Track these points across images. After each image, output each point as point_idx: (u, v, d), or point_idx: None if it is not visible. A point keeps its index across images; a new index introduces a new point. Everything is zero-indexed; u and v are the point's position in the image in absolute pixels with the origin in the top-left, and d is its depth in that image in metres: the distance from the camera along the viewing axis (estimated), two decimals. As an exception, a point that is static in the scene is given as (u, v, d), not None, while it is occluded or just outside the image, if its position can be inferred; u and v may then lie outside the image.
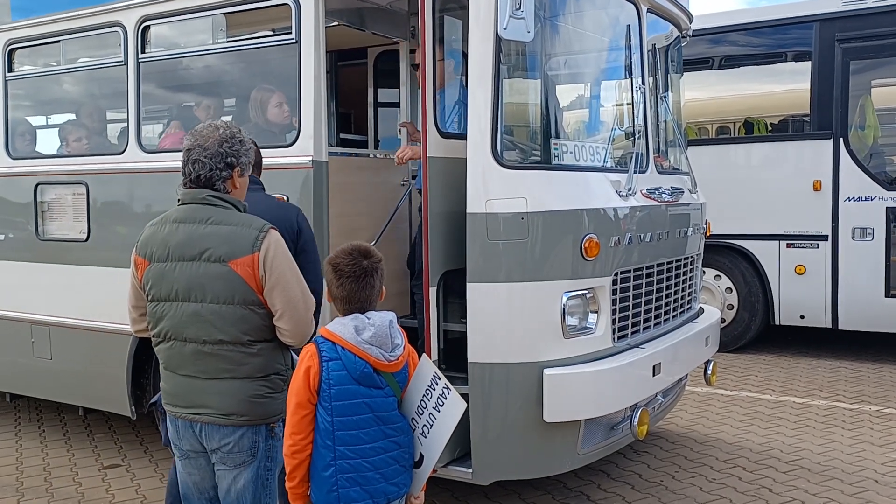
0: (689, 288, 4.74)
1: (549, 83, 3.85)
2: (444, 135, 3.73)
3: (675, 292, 4.46)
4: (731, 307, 7.79)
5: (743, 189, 7.54)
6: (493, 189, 3.49)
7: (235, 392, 2.49)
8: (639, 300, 4.01)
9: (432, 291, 3.62)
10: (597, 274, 3.68)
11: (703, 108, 8.38)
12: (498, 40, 3.41)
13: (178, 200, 2.57)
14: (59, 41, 4.94)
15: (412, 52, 4.86)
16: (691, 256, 4.69)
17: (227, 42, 4.41)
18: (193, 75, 4.74)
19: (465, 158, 3.53)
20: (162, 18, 4.39)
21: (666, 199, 4.26)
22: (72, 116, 5.70)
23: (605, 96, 4.43)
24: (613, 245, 3.75)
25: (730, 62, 8.17)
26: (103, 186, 4.69)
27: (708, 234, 5.05)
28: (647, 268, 4.08)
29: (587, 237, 3.57)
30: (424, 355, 2.57)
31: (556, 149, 3.73)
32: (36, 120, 5.69)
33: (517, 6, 3.22)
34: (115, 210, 4.68)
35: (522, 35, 3.29)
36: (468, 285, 3.54)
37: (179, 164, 4.30)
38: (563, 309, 3.55)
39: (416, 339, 4.14)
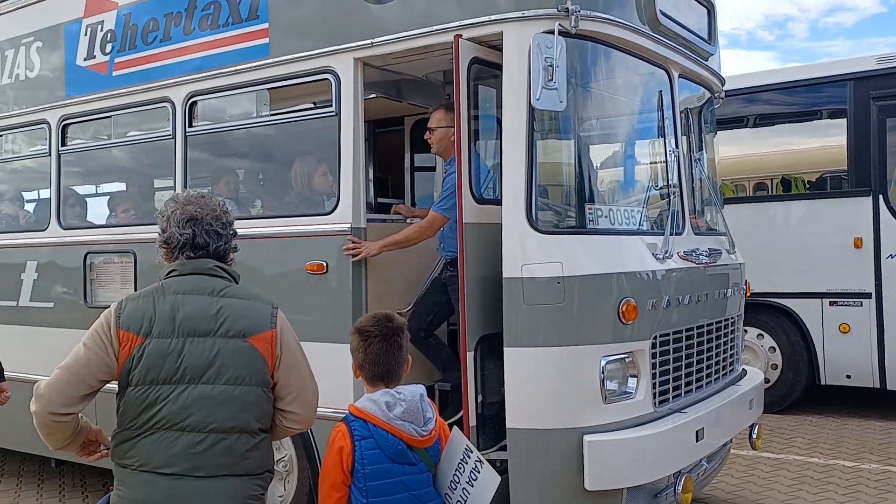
0: (731, 349, 4.67)
1: (583, 148, 3.91)
2: (480, 200, 3.79)
3: (717, 354, 4.41)
4: (774, 367, 7.62)
5: (783, 246, 7.46)
6: (529, 254, 3.52)
7: (233, 493, 2.17)
8: (679, 363, 3.97)
9: (469, 356, 3.63)
10: (635, 337, 3.66)
11: (740, 165, 8.38)
12: (531, 109, 3.50)
13: (171, 272, 2.32)
14: (110, 116, 5.17)
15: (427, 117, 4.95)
16: (732, 317, 4.64)
17: (270, 115, 4.57)
18: (237, 147, 4.92)
19: (500, 223, 3.58)
20: (208, 94, 4.58)
21: (703, 261, 4.24)
22: (121, 187, 5.92)
23: (639, 159, 4.47)
24: (651, 308, 3.74)
25: (766, 120, 8.20)
26: (150, 255, 4.83)
27: (748, 295, 5.01)
28: (687, 330, 4.05)
29: (624, 300, 3.57)
30: (455, 428, 2.55)
31: (590, 213, 3.77)
32: (86, 190, 5.92)
33: (549, 77, 3.30)
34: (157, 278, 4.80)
35: (555, 105, 3.37)
36: (505, 350, 3.55)
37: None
38: (602, 373, 3.53)
39: (447, 403, 4.15)
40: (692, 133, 4.81)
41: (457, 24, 3.67)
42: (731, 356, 4.69)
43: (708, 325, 4.27)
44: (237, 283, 2.37)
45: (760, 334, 7.67)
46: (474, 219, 3.71)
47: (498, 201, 3.68)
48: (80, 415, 2.29)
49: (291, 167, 4.49)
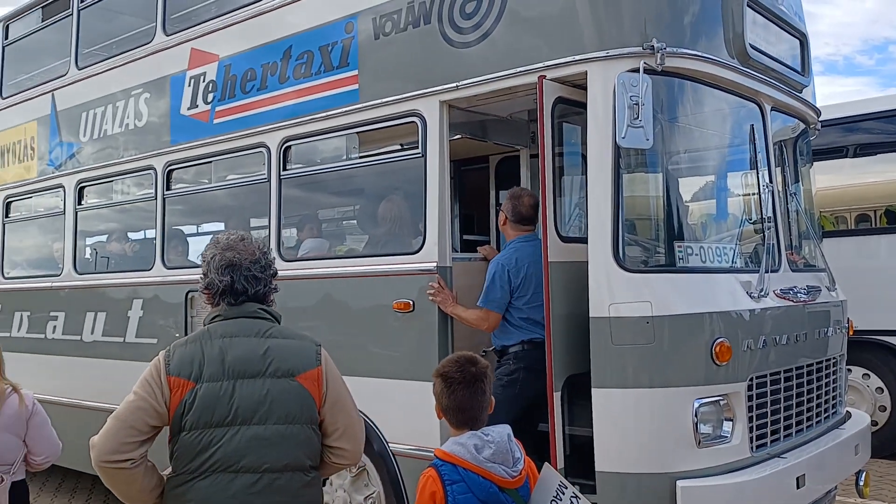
0: (833, 391, 4.45)
1: (671, 184, 3.85)
2: (565, 239, 3.78)
3: (818, 396, 4.21)
4: (882, 409, 7.17)
5: (888, 281, 7.06)
6: (617, 293, 3.47)
7: None
8: (778, 406, 3.81)
9: (556, 396, 3.60)
10: (730, 379, 3.55)
11: (841, 197, 8.04)
12: (616, 147, 3.48)
13: (216, 317, 2.36)
14: (211, 161, 5.45)
15: (533, 156, 5.01)
16: (833, 357, 4.42)
17: (359, 157, 4.71)
18: (328, 188, 5.08)
19: (586, 262, 3.56)
20: (301, 139, 4.76)
21: (802, 299, 4.08)
22: (219, 228, 6.20)
23: (730, 194, 4.36)
24: (747, 349, 3.62)
25: (867, 150, 7.87)
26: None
27: (851, 333, 4.77)
28: (786, 371, 3.89)
29: (717, 341, 3.46)
30: (546, 464, 2.53)
31: (680, 250, 3.69)
32: (187, 231, 6.24)
33: (635, 116, 3.29)
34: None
35: (641, 143, 3.34)
36: (593, 391, 3.49)
37: (314, 272, 4.57)
38: (695, 416, 3.42)
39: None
40: (787, 165, 4.66)
41: (541, 64, 3.70)
42: (834, 398, 4.46)
43: (808, 365, 4.09)
44: (279, 324, 2.40)
45: (866, 374, 7.25)
46: (559, 257, 3.69)
47: (584, 239, 3.66)
48: (158, 473, 2.31)
49: (379, 207, 4.60)
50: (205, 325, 2.38)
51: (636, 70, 3.38)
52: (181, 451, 2.21)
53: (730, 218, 4.34)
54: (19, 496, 3.47)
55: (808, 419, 4.11)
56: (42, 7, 7.04)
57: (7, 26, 7.38)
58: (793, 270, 4.25)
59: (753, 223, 4.13)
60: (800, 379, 4.01)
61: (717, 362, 3.46)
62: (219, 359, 2.22)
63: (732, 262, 3.98)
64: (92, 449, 2.22)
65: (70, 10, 6.59)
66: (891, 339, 7.07)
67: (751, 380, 3.62)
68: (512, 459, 2.33)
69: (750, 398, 3.62)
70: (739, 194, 4.28)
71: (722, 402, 3.54)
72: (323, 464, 2.36)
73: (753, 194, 4.10)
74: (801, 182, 4.92)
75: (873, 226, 7.96)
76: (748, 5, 3.90)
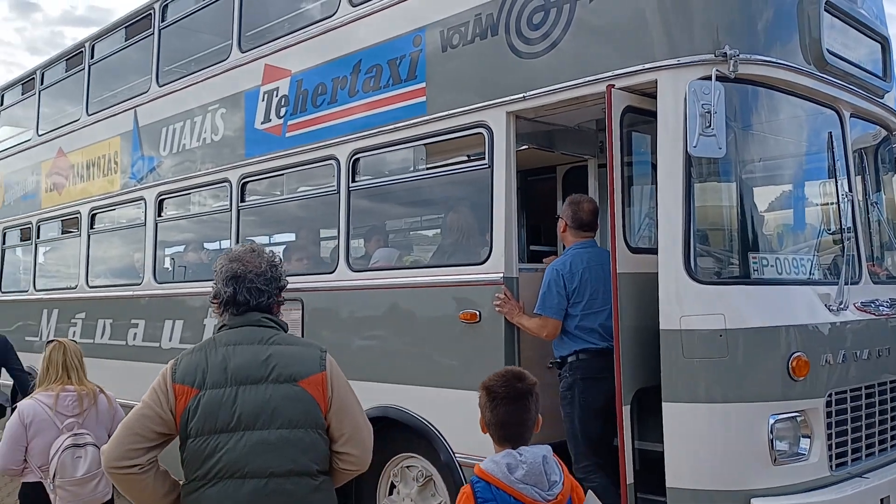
0: (921, 410, 4.24)
1: (745, 193, 3.75)
2: (634, 250, 3.73)
3: (903, 415, 4.02)
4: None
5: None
6: (688, 305, 3.40)
7: None
8: (859, 423, 3.66)
9: (626, 410, 3.54)
10: (807, 395, 3.43)
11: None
12: (688, 157, 3.42)
13: (223, 326, 2.41)
14: (283, 174, 5.59)
15: (601, 166, 4.96)
16: (921, 374, 4.22)
17: (426, 168, 4.76)
18: (395, 199, 5.15)
19: (656, 273, 3.50)
20: (370, 151, 4.84)
21: (884, 312, 3.92)
22: (291, 238, 6.35)
23: (808, 204, 4.22)
24: (825, 363, 3.49)
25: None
26: (316, 302, 5.12)
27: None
28: (867, 387, 3.74)
29: (794, 355, 3.36)
30: (590, 492, 2.46)
31: (754, 262, 3.59)
32: (260, 241, 6.40)
33: (707, 124, 3.23)
34: (324, 324, 5.07)
35: (713, 152, 3.27)
36: (664, 405, 3.43)
37: (382, 282, 4.64)
38: (771, 433, 3.32)
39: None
40: (868, 173, 4.49)
41: (609, 73, 3.68)
42: (922, 417, 4.25)
43: (892, 381, 3.92)
44: (285, 332, 2.43)
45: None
46: (628, 268, 3.64)
47: (653, 250, 3.60)
48: (166, 471, 2.37)
49: (446, 218, 4.64)
50: (213, 335, 2.43)
51: (708, 77, 3.32)
52: (189, 457, 2.25)
53: (807, 228, 4.20)
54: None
55: (893, 437, 3.93)
56: (125, 27, 7.37)
57: (93, 46, 7.75)
58: (874, 282, 4.09)
59: (832, 234, 3.99)
60: (883, 396, 3.85)
61: (794, 377, 3.35)
62: (222, 366, 2.27)
63: (810, 273, 3.84)
64: (102, 455, 2.30)
65: (151, 29, 6.87)
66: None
67: (830, 395, 3.49)
68: (547, 482, 2.25)
69: (829, 415, 3.49)
70: (817, 204, 4.14)
71: (799, 419, 3.43)
72: (332, 470, 2.37)
73: (832, 204, 3.97)
74: (883, 191, 4.73)
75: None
76: (825, 9, 3.79)
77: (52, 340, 4.03)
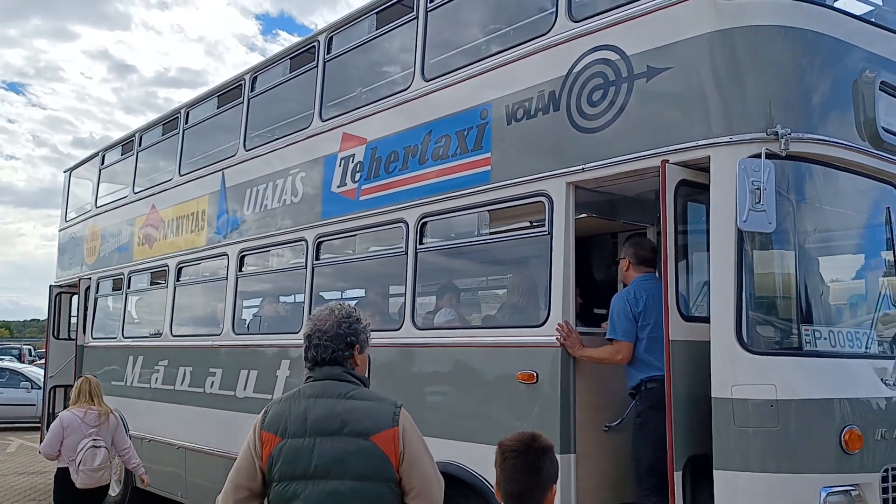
0: None
1: (799, 265, 3.82)
2: (687, 318, 3.83)
3: (971, 496, 3.92)
4: None
5: None
6: (740, 374, 3.49)
7: None
8: (919, 502, 3.61)
9: (677, 476, 3.60)
10: (862, 469, 3.44)
11: None
12: (739, 231, 3.54)
13: (308, 378, 2.57)
14: (356, 234, 5.92)
15: (660, 234, 5.09)
16: None
17: (489, 233, 5.00)
18: (459, 261, 5.39)
19: (709, 342, 3.59)
20: (437, 215, 5.12)
21: (946, 389, 3.87)
22: (361, 293, 6.66)
23: (862, 277, 4.25)
24: (881, 438, 3.49)
25: None
26: (382, 357, 5.35)
27: None
28: (929, 465, 3.69)
29: (847, 428, 3.38)
30: None
31: (807, 333, 3.65)
32: (331, 296, 6.72)
33: (757, 200, 3.36)
34: (389, 378, 5.28)
35: (763, 227, 3.39)
36: (715, 472, 3.48)
37: (444, 340, 4.84)
38: (823, 505, 3.33)
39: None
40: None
41: (664, 149, 3.86)
42: None
43: (956, 460, 3.84)
44: (365, 387, 2.57)
45: None
46: (682, 336, 3.75)
47: (707, 319, 3.70)
48: None
49: (507, 281, 4.83)
50: (300, 387, 2.61)
51: (759, 155, 3.46)
52: (273, 500, 2.43)
53: (863, 302, 4.21)
54: (101, 495, 5.69)
55: (958, 519, 3.83)
56: (217, 96, 7.98)
57: (188, 112, 8.39)
58: (937, 358, 4.04)
59: (889, 308, 4.00)
60: (945, 474, 3.77)
61: (847, 450, 3.37)
62: (302, 417, 2.44)
63: (866, 347, 3.85)
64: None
65: (241, 98, 7.43)
66: None
67: (885, 471, 3.48)
68: None
69: (885, 490, 3.47)
70: (873, 278, 4.16)
71: (854, 493, 3.42)
72: None
73: (888, 277, 3.99)
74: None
75: None
76: (881, 88, 3.89)
77: (82, 376, 6.29)
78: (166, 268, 8.21)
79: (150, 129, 9.24)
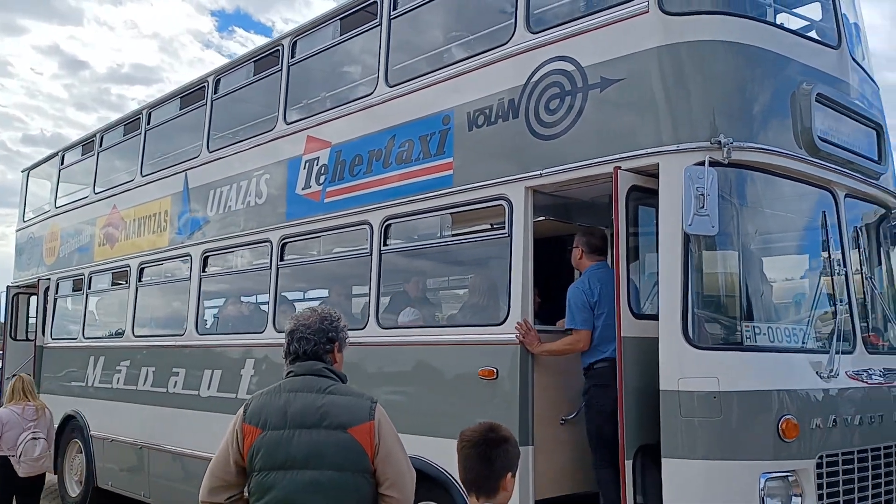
0: (918, 477, 4.43)
1: (741, 267, 4.07)
2: (638, 316, 4.05)
3: (898, 480, 4.22)
4: None
5: None
6: (685, 368, 3.71)
7: None
8: (851, 486, 3.88)
9: (628, 465, 3.82)
10: (798, 456, 3.69)
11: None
12: (685, 233, 3.77)
13: (290, 372, 2.68)
14: (320, 236, 6.04)
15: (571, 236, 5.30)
16: (917, 441, 4.42)
17: (451, 235, 5.17)
18: (422, 262, 5.55)
19: (657, 338, 3.82)
20: (400, 218, 5.27)
21: (876, 381, 4.16)
22: (324, 294, 6.77)
23: (801, 277, 4.53)
24: (816, 427, 3.75)
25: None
26: (347, 356, 5.44)
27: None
28: (860, 452, 3.97)
29: (784, 418, 3.63)
30: None
31: (748, 330, 3.90)
32: (294, 297, 6.83)
33: (701, 205, 3.59)
34: (354, 376, 5.39)
35: (707, 230, 3.63)
36: (663, 460, 3.71)
37: (408, 339, 5.00)
38: (763, 490, 3.57)
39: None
40: (867, 249, 4.78)
41: (616, 156, 4.07)
42: (919, 484, 4.43)
43: (885, 447, 4.13)
44: (344, 383, 2.70)
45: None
46: (633, 333, 3.97)
47: (657, 316, 3.92)
48: None
49: (468, 281, 5.01)
50: (280, 381, 2.73)
51: (703, 163, 3.69)
52: (254, 489, 2.56)
53: (801, 300, 4.49)
54: (40, 483, 6.31)
55: (888, 502, 4.12)
56: (180, 97, 8.01)
57: (150, 113, 8.40)
58: (869, 352, 4.34)
59: (826, 306, 4.27)
60: (877, 460, 4.06)
61: (784, 439, 3.62)
62: (282, 410, 2.56)
63: (803, 342, 4.12)
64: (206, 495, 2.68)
65: (204, 100, 7.48)
66: None
67: (820, 458, 3.73)
68: None
69: (820, 476, 3.72)
70: (811, 277, 4.44)
71: (791, 479, 3.67)
72: None
73: (826, 278, 4.26)
74: (883, 265, 5.00)
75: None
76: (817, 100, 4.16)
77: (15, 375, 6.87)
78: (128, 268, 8.21)
79: (110, 130, 9.22)
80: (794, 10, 4.90)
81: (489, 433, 2.47)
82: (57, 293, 9.64)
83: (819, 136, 4.16)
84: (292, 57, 6.43)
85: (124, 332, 8.10)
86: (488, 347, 4.53)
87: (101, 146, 9.26)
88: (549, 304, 5.11)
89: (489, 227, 4.98)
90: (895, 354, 4.64)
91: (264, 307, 6.39)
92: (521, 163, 4.54)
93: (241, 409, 2.65)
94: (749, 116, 4.04)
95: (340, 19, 6.10)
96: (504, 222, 4.60)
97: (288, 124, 6.37)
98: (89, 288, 8.98)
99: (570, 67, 4.36)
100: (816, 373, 3.88)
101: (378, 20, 5.63)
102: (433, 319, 5.69)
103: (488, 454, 2.42)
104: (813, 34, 4.79)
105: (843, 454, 3.86)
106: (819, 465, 3.74)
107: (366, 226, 5.46)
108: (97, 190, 9.17)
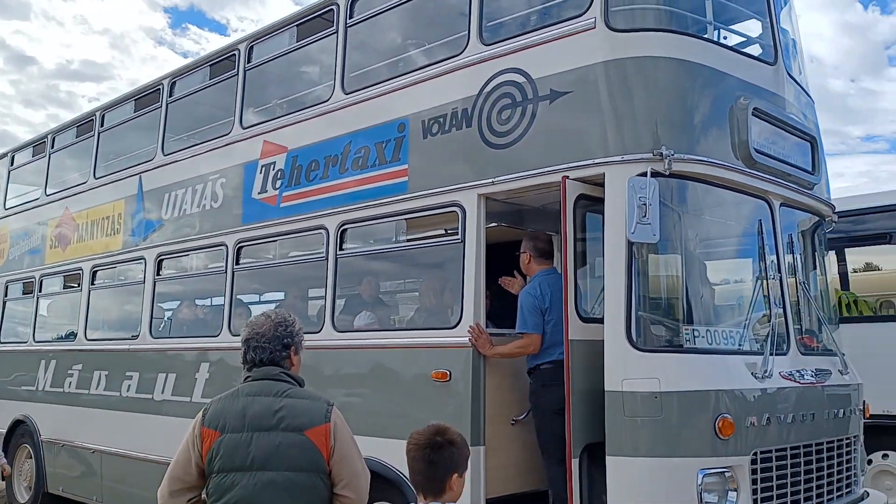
0: (848, 470, 4.68)
1: (681, 273, 4.27)
2: (585, 319, 4.21)
3: (829, 475, 4.45)
4: (922, 495, 7.18)
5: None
6: (629, 370, 3.88)
7: None
8: (784, 481, 4.09)
9: (574, 463, 3.98)
10: (734, 453, 3.88)
11: (883, 282, 8.23)
12: (629, 241, 3.94)
13: (247, 378, 2.76)
14: (276, 240, 6.09)
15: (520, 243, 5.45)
16: (846, 438, 4.67)
17: (406, 241, 5.28)
18: (378, 267, 5.65)
19: (603, 340, 3.98)
20: (356, 223, 5.36)
21: (808, 381, 4.39)
22: (280, 297, 6.82)
23: (738, 283, 4.75)
24: (750, 425, 3.95)
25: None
26: (303, 359, 5.52)
27: (867, 416, 5.00)
28: (793, 448, 4.18)
29: (720, 417, 3.82)
30: None
31: (687, 333, 4.09)
32: (250, 300, 6.86)
33: (643, 214, 3.76)
34: (311, 379, 5.45)
35: (648, 238, 3.80)
36: (608, 458, 3.87)
37: (363, 342, 5.09)
38: (700, 485, 3.75)
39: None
40: (801, 255, 5.02)
41: (564, 165, 4.23)
42: (848, 477, 4.68)
43: (817, 444, 4.36)
44: (301, 386, 2.78)
45: (905, 460, 7.30)
46: (580, 336, 4.13)
47: (602, 320, 4.09)
48: None
49: (422, 285, 5.12)
50: (239, 385, 2.80)
51: (645, 174, 3.86)
52: (211, 490, 2.63)
53: (738, 304, 4.71)
54: None
55: (819, 496, 4.35)
56: (135, 100, 7.96)
57: (103, 115, 8.33)
58: (803, 354, 4.57)
59: (761, 310, 4.49)
60: (808, 457, 4.28)
61: (721, 436, 3.81)
62: (241, 414, 2.64)
63: (740, 344, 4.33)
64: (158, 496, 2.74)
65: (159, 103, 7.46)
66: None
67: (755, 454, 3.94)
68: None
69: (754, 471, 3.93)
70: (748, 283, 4.66)
71: (727, 475, 3.86)
72: None
73: (761, 283, 4.48)
74: (816, 271, 5.26)
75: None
76: (753, 114, 4.37)
77: None
78: (81, 271, 8.13)
79: (63, 131, 9.11)
80: (734, 28, 5.13)
81: (435, 437, 2.58)
82: (6, 296, 9.48)
83: (755, 149, 4.37)
84: (249, 62, 6.47)
85: (76, 335, 8.02)
86: (441, 350, 4.65)
87: (52, 148, 9.14)
88: (501, 308, 5.25)
89: (443, 232, 5.10)
90: (828, 355, 4.87)
91: (220, 311, 6.41)
92: (474, 170, 4.67)
93: (200, 414, 2.72)
94: (690, 129, 4.23)
95: (297, 25, 6.16)
96: (457, 228, 4.73)
97: (244, 129, 6.40)
98: (40, 291, 8.86)
99: (520, 79, 4.50)
100: (752, 373, 4.08)
101: (335, 27, 5.71)
102: (388, 323, 5.79)
103: (432, 457, 2.53)
104: (753, 49, 5.02)
105: (777, 451, 4.07)
106: (754, 462, 3.94)
107: (322, 230, 5.53)
108: (49, 192, 9.05)
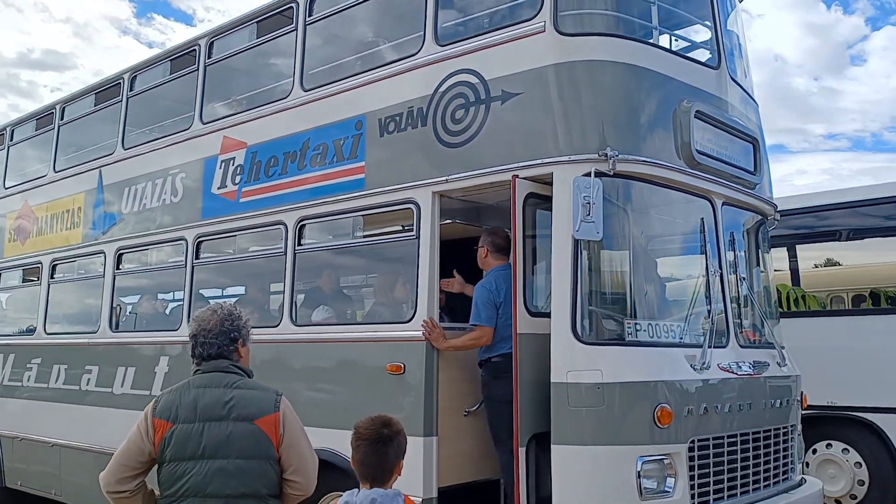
0: (784, 458, 4.90)
1: (624, 269, 4.44)
2: (533, 314, 4.36)
3: (765, 462, 4.66)
4: (861, 483, 7.48)
5: (871, 360, 7.45)
6: (573, 362, 4.04)
7: None
8: (720, 468, 4.29)
9: (521, 452, 4.13)
10: (672, 440, 4.06)
11: (833, 278, 8.52)
12: (574, 238, 4.09)
13: (197, 371, 2.85)
14: (235, 235, 6.15)
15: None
16: (782, 427, 4.88)
17: (363, 236, 5.38)
18: (335, 262, 5.75)
19: (549, 334, 4.13)
20: (314, 219, 5.45)
21: (745, 373, 4.59)
22: (241, 291, 6.88)
23: (680, 278, 4.94)
24: (688, 414, 4.14)
25: (859, 234, 8.35)
26: (262, 353, 5.60)
27: (804, 406, 5.23)
28: (730, 437, 4.38)
29: (659, 406, 4.00)
30: None
31: (629, 327, 4.26)
32: (211, 294, 6.90)
33: (587, 213, 3.92)
34: (269, 373, 5.53)
35: (592, 236, 3.96)
36: (553, 447, 4.03)
37: (320, 336, 5.19)
38: (639, 472, 3.93)
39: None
40: (743, 252, 5.23)
41: (514, 165, 4.37)
42: (785, 465, 4.90)
43: (754, 432, 4.57)
44: (250, 377, 2.88)
45: (846, 449, 7.58)
46: (528, 330, 4.28)
47: (549, 314, 4.24)
48: (152, 491, 2.86)
49: (378, 280, 5.24)
50: (189, 378, 2.89)
51: (590, 174, 4.02)
52: (163, 479, 2.74)
53: (680, 299, 4.90)
54: None
55: (755, 482, 4.56)
56: (95, 93, 7.94)
57: (63, 108, 8.29)
58: (742, 347, 4.77)
59: (702, 304, 4.69)
60: (745, 445, 4.49)
61: (660, 425, 3.99)
62: (192, 405, 2.74)
63: (680, 337, 4.51)
64: (100, 481, 2.82)
65: (119, 97, 7.45)
66: (869, 416, 7.42)
67: (692, 442, 4.13)
68: None
69: (692, 458, 4.12)
70: (689, 278, 4.85)
71: (666, 461, 4.05)
72: (283, 494, 2.83)
73: (702, 279, 4.67)
74: (758, 267, 5.47)
75: (855, 307, 8.40)
76: (695, 116, 4.55)
77: None
78: (40, 265, 8.09)
79: (22, 124, 9.03)
80: (679, 33, 5.31)
81: (383, 429, 2.69)
82: (-37, 290, 9.37)
83: (697, 150, 4.55)
84: (209, 57, 6.51)
85: (35, 329, 7.98)
86: (396, 344, 4.77)
87: (11, 140, 9.06)
88: (455, 303, 5.39)
89: (399, 228, 5.21)
90: (767, 349, 5.08)
91: (179, 305, 6.46)
92: (429, 168, 4.79)
93: (150, 406, 2.81)
94: (635, 131, 4.39)
95: (257, 22, 6.22)
96: (413, 225, 4.84)
97: (204, 124, 6.44)
98: (-2, 284, 8.79)
99: (474, 80, 4.63)
100: (691, 365, 4.27)
101: (294, 25, 5.78)
102: (346, 317, 5.89)
103: (383, 450, 2.66)
104: (699, 53, 5.21)
105: (714, 438, 4.26)
106: (691, 449, 4.12)
107: (281, 226, 5.61)
108: (7, 185, 8.97)
